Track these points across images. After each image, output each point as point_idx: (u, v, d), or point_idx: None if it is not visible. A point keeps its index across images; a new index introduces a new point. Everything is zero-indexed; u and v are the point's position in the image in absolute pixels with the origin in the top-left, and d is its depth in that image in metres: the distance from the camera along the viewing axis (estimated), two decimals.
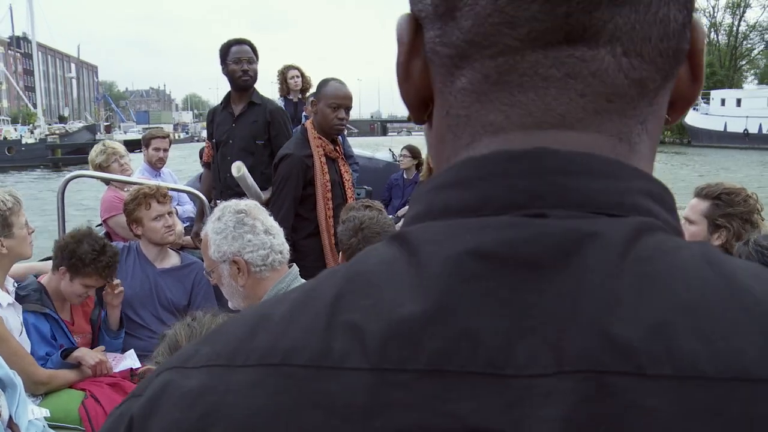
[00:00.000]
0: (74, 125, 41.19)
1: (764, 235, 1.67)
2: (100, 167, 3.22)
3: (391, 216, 3.36)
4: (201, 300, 2.39)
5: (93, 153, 3.30)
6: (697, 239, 1.89)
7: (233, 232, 1.46)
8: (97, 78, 74.84)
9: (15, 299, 1.96)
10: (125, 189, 3.20)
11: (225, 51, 3.09)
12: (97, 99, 78.79)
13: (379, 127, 77.40)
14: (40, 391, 1.82)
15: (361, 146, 7.17)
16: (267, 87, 5.33)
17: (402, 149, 4.97)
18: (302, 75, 5.20)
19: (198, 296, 2.43)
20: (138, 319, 2.36)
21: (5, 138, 28.27)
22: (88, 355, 1.97)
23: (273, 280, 1.49)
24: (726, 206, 1.86)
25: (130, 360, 2.12)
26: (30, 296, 2.03)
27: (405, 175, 4.87)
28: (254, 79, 3.08)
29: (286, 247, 1.54)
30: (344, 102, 2.64)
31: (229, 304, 1.57)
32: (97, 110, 70.13)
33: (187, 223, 3.55)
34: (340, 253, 1.84)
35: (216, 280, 1.52)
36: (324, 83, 2.70)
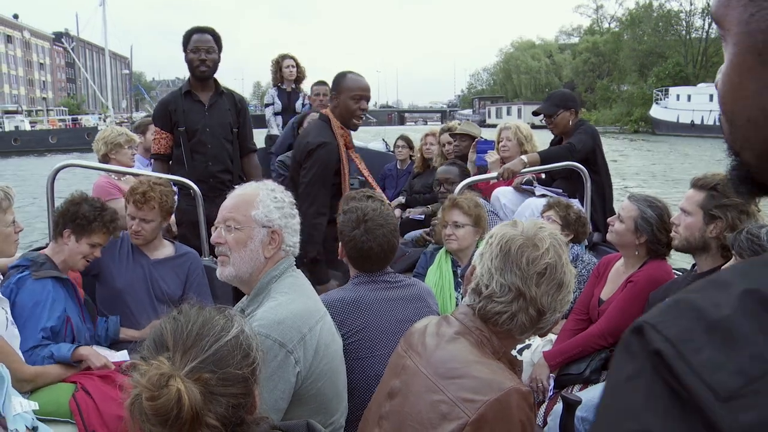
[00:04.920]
0: (138, 114, 46.14)
1: (758, 224, 1.65)
2: (116, 146, 3.19)
3: None
4: (194, 291, 2.32)
5: (108, 133, 3.23)
6: (692, 230, 1.88)
7: (289, 209, 1.51)
8: (129, 70, 74.50)
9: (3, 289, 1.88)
10: (122, 177, 3.15)
11: (186, 39, 3.05)
12: (131, 90, 77.61)
13: (396, 116, 77.06)
14: (24, 389, 1.75)
15: (379, 135, 7.14)
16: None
17: (396, 139, 4.85)
18: (297, 65, 5.09)
19: (192, 287, 2.36)
20: (132, 312, 2.28)
21: (84, 126, 34.56)
22: (94, 357, 1.91)
23: (270, 265, 1.48)
24: (721, 197, 1.82)
25: (121, 356, 2.05)
26: (45, 265, 2.00)
27: (399, 165, 4.78)
28: (212, 69, 3.02)
29: None
30: (365, 93, 2.68)
31: (218, 272, 1.50)
32: (129, 101, 69.99)
33: None
34: (340, 244, 1.76)
35: (236, 239, 1.46)
36: (342, 76, 2.71)
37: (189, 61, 3.00)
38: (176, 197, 2.66)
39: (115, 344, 2.22)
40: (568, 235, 2.49)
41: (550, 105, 3.16)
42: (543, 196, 3.00)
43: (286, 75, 5.02)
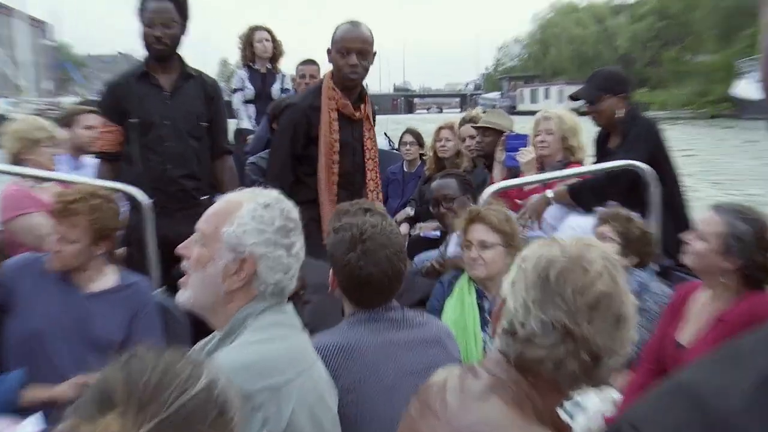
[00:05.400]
0: (67, 100, 44.70)
1: None
2: (32, 143, 3.09)
3: None
4: (141, 333, 2.30)
5: (23, 126, 3.17)
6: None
7: (272, 234, 1.46)
8: (49, 39, 72.19)
9: None
10: (42, 184, 3.09)
11: (141, 7, 3.05)
12: (54, 66, 75.32)
13: (403, 103, 76.58)
14: None
15: (380, 128, 7.02)
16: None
17: (403, 134, 4.90)
18: (273, 39, 5.15)
19: (138, 328, 2.33)
20: (54, 361, 2.20)
21: None
22: None
23: (242, 300, 1.47)
24: None
25: (31, 427, 1.94)
26: None
27: (406, 167, 4.83)
28: (171, 47, 3.06)
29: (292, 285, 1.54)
30: (354, 45, 2.83)
31: (181, 296, 1.50)
32: (56, 82, 67.91)
33: None
34: (331, 271, 1.78)
35: (198, 255, 1.47)
36: (336, 29, 2.92)
37: (143, 36, 3.04)
38: (125, 211, 2.62)
39: (22, 409, 2.09)
40: (631, 257, 2.50)
41: (592, 88, 3.21)
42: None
43: (258, 51, 5.08)
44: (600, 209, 2.75)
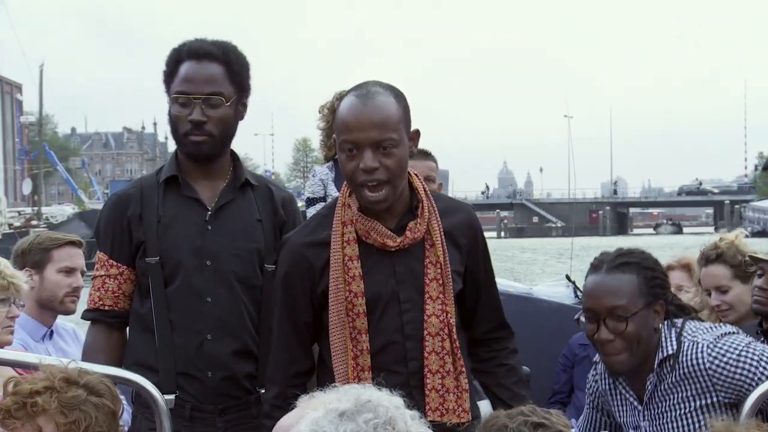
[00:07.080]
0: (60, 210, 49.11)
1: None
2: None
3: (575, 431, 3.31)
4: None
5: None
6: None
7: None
8: (19, 111, 76.08)
9: None
10: None
11: (170, 67, 3.11)
12: (24, 154, 77.70)
13: (609, 215, 78.34)
14: None
15: (562, 264, 6.95)
16: None
17: None
18: None
19: None
20: None
21: None
22: None
23: None
24: None
25: None
26: None
27: None
28: (219, 138, 3.06)
29: None
30: (364, 135, 2.62)
31: None
32: (39, 180, 71.73)
33: None
34: None
35: None
36: (339, 106, 2.82)
37: (172, 120, 3.05)
38: (125, 414, 2.67)
39: None
40: None
41: None
42: None
43: None
44: None
